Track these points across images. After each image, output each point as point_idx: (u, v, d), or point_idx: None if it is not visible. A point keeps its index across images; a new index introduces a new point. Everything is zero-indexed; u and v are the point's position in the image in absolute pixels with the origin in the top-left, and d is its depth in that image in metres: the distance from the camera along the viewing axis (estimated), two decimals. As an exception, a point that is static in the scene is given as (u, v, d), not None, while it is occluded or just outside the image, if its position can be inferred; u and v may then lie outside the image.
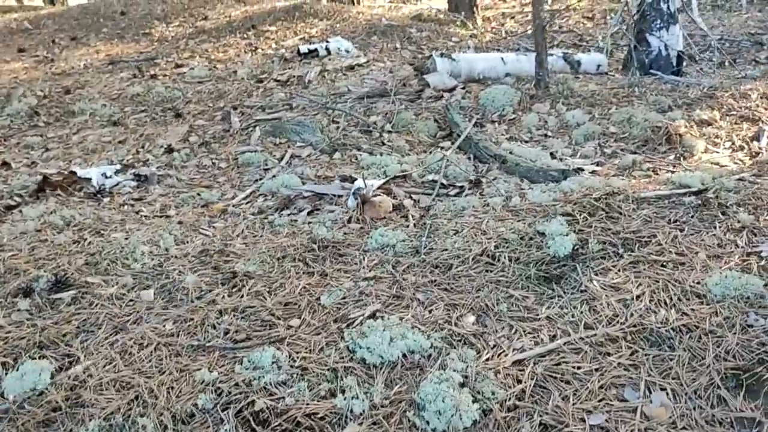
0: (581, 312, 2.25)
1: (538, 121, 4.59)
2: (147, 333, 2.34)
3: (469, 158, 4.04)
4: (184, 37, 8.08)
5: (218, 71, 6.50)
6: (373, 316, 2.33)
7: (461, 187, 3.62)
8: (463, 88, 5.27)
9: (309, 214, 3.45)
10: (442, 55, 5.49)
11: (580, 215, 2.85)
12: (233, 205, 3.67)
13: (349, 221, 3.24)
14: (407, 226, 3.10)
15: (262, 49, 7.26)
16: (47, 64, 7.58)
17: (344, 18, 7.83)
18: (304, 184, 3.87)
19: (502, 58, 5.57)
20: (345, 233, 3.10)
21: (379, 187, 3.53)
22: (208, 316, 2.43)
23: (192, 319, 2.41)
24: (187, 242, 3.19)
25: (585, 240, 2.65)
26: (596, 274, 2.44)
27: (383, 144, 4.38)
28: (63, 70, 7.25)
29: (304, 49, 6.75)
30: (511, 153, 3.97)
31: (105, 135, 5.12)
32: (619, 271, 2.45)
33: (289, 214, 3.47)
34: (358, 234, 3.07)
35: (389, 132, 4.54)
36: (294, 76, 5.89)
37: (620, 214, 2.83)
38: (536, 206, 3.06)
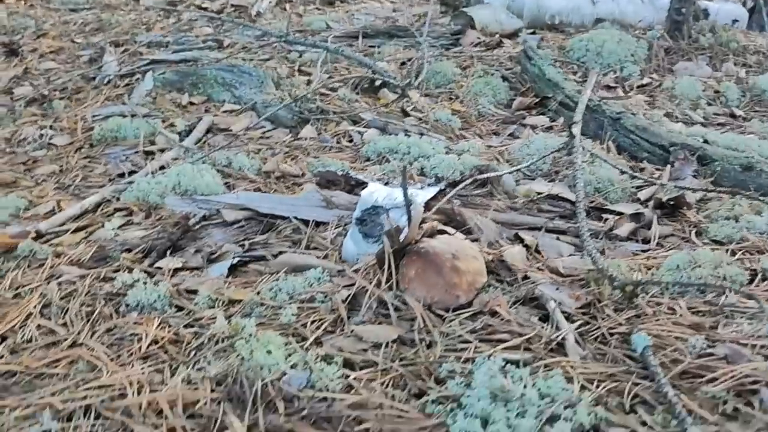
0: None
1: (703, 89, 2.55)
2: None
3: (607, 149, 1.97)
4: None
5: (110, -6, 4.26)
6: None
7: (636, 216, 1.53)
8: (533, 34, 3.21)
9: (231, 272, 1.32)
10: (493, -23, 3.42)
11: None
12: (41, 233, 1.52)
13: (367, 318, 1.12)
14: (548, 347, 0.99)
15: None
16: None
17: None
18: (230, 189, 1.74)
19: (591, -7, 3.53)
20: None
21: (429, 209, 1.42)
22: None
23: None
24: None
25: None
26: None
27: (406, 114, 2.27)
28: None
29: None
30: (706, 141, 1.91)
31: None
32: None
33: (183, 266, 1.34)
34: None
35: (416, 91, 2.42)
36: (232, 5, 3.72)
37: None
38: None
